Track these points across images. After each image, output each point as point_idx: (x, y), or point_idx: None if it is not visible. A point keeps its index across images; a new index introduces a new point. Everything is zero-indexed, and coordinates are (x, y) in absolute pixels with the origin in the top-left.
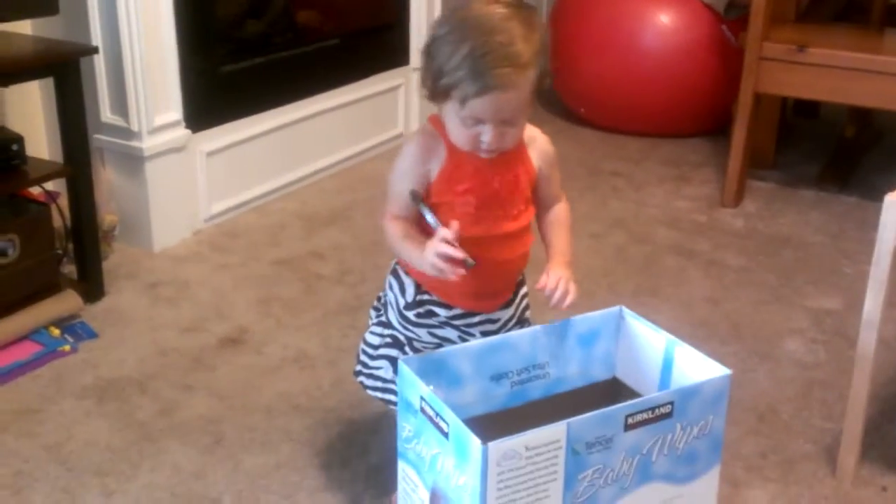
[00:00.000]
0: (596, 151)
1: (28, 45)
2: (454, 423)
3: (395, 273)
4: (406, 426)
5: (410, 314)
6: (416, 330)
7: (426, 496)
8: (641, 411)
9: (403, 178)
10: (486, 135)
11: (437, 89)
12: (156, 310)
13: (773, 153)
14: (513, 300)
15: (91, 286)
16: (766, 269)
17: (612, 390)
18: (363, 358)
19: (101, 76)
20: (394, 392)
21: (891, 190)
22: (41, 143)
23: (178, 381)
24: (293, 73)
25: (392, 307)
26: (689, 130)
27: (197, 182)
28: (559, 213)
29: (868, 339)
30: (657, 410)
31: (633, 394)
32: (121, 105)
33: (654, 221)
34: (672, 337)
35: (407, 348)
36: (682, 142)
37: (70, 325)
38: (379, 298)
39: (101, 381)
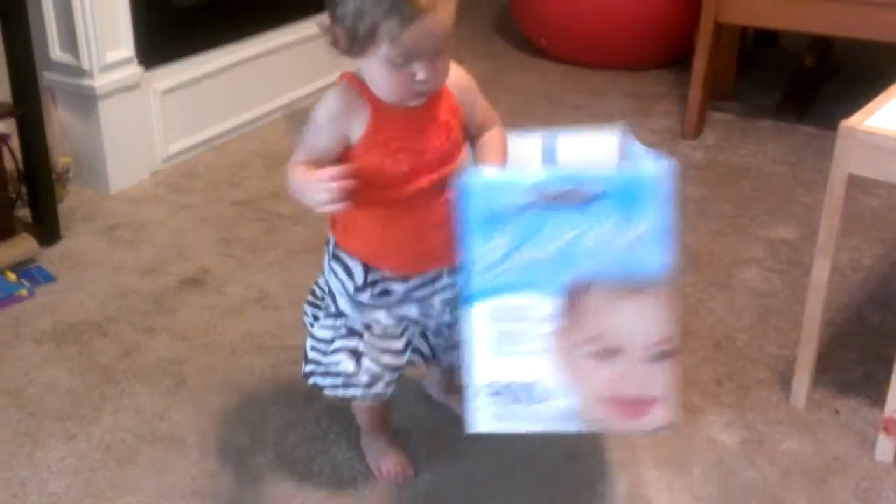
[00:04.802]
0: (557, 84)
1: None
2: (609, 175)
3: (336, 258)
4: (492, 246)
5: (364, 297)
6: (373, 314)
7: (548, 308)
8: None
9: (320, 131)
10: (422, 71)
11: (356, 37)
12: (114, 252)
13: (732, 84)
14: None
15: (47, 229)
16: (725, 199)
17: None
18: (314, 356)
19: (49, 11)
20: (356, 386)
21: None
22: None
23: (138, 324)
24: (251, 6)
25: (341, 295)
26: (651, 62)
27: (152, 121)
28: (492, 136)
29: (822, 266)
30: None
31: None
32: (70, 42)
33: None
34: (548, 132)
35: (367, 335)
36: (644, 74)
37: (26, 270)
38: (314, 293)
39: (60, 324)
